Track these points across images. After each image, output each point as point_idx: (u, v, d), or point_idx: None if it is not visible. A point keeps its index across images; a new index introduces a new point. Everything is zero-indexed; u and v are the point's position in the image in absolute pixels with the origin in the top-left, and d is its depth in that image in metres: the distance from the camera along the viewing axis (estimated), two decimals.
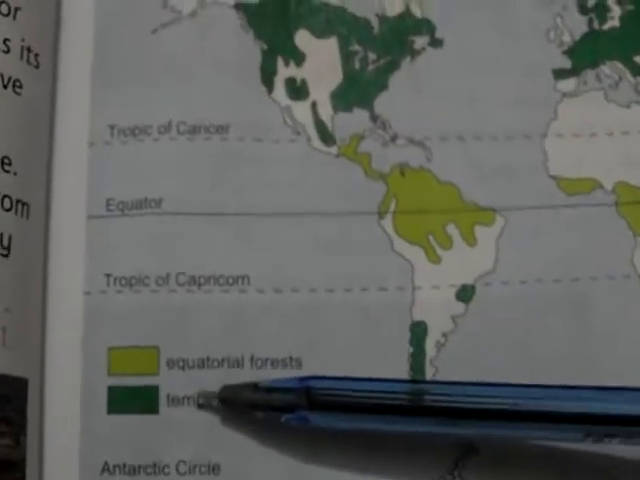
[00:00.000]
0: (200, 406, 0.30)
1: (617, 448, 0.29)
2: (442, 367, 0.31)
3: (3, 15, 0.31)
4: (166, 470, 0.30)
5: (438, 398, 0.29)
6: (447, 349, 0.31)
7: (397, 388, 0.29)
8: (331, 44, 0.33)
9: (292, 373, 0.31)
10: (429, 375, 0.31)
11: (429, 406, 0.29)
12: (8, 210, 0.30)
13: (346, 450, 0.30)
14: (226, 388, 0.30)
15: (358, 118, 0.33)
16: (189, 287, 0.31)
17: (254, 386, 0.30)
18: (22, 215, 0.31)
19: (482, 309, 0.31)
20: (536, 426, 0.28)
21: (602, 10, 0.34)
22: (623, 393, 0.28)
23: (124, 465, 0.30)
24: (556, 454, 0.30)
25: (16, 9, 0.31)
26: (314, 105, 0.33)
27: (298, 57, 0.33)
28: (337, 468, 0.30)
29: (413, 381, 0.30)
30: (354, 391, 0.29)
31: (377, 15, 0.33)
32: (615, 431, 0.28)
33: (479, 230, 0.32)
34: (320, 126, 0.33)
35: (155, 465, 0.30)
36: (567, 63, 0.33)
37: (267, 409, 0.29)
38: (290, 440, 0.30)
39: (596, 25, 0.33)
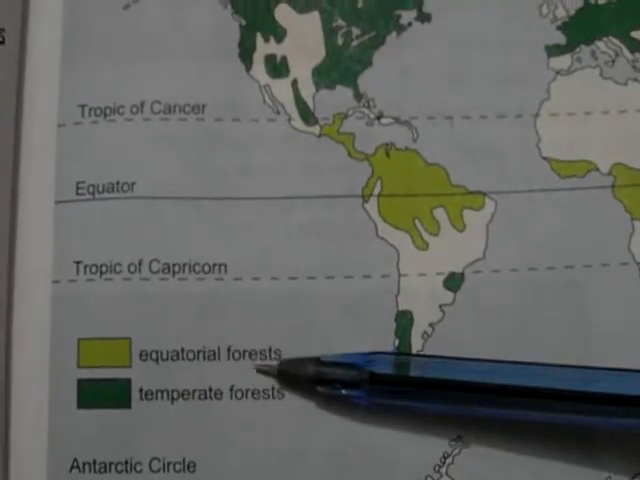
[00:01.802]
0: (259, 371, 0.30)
1: None
2: None
3: None
4: (138, 467, 0.29)
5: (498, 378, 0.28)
6: (434, 340, 0.30)
7: (460, 367, 0.29)
8: (313, 19, 0.32)
9: None
10: None
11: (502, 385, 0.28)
12: None
13: (331, 447, 0.30)
14: (286, 361, 0.30)
15: (341, 96, 0.32)
16: (163, 275, 0.30)
17: (316, 360, 0.29)
18: None
19: (471, 298, 0.30)
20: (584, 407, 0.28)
21: None
22: None
23: (94, 462, 0.29)
24: (545, 449, 0.29)
25: None
26: (295, 83, 0.32)
27: (278, 33, 0.32)
28: (322, 461, 0.29)
29: (478, 360, 0.29)
30: (416, 368, 0.29)
31: None
32: None
33: (468, 215, 0.31)
34: (301, 105, 0.32)
35: (127, 462, 0.29)
36: (561, 39, 0.32)
37: (329, 383, 0.29)
38: (268, 435, 0.30)
39: None
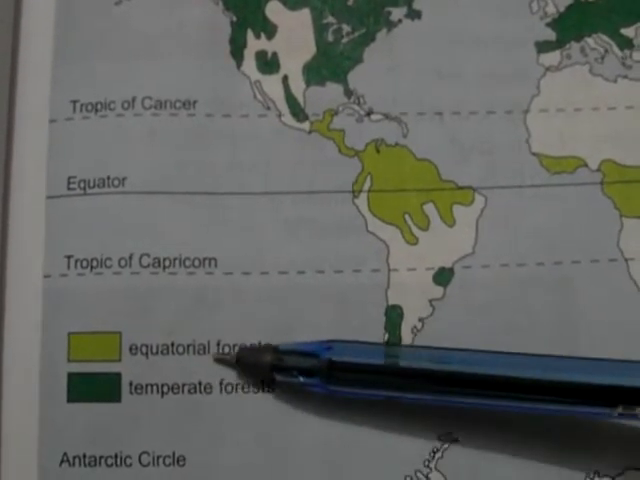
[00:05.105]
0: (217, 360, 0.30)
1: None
2: None
3: None
4: (128, 461, 0.29)
5: (467, 367, 0.28)
6: (423, 335, 0.30)
7: (419, 354, 0.29)
8: (304, 15, 0.32)
9: None
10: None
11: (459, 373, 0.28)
12: None
13: (321, 441, 0.30)
14: (244, 350, 0.30)
15: (331, 92, 0.32)
16: (153, 269, 0.30)
17: (274, 348, 0.29)
18: None
19: (461, 293, 0.31)
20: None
21: None
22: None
23: (84, 456, 0.29)
24: (535, 448, 0.29)
25: None
26: (285, 79, 0.32)
27: (269, 29, 0.32)
28: (311, 458, 0.29)
29: (435, 348, 0.29)
30: (376, 356, 0.29)
31: None
32: None
33: (458, 210, 0.31)
34: (292, 101, 0.32)
35: (117, 456, 0.29)
36: (551, 35, 0.32)
37: (286, 371, 0.29)
38: (255, 432, 0.30)
39: None
